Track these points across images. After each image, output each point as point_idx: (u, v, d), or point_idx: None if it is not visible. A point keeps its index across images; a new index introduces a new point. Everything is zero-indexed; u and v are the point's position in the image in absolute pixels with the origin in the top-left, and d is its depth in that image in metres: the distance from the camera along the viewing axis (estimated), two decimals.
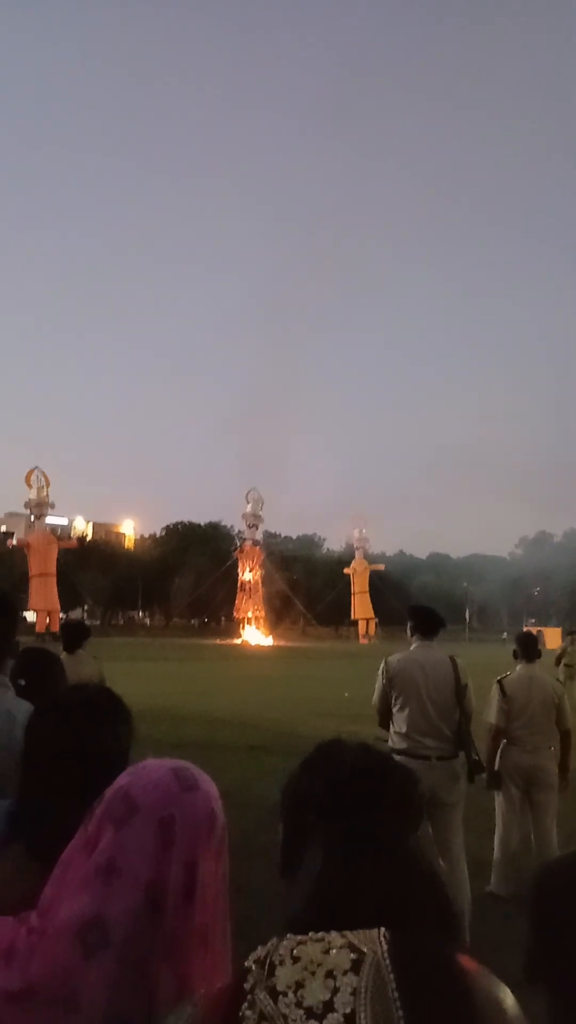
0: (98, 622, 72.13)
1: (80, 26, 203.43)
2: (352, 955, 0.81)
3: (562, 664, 16.08)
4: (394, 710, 4.80)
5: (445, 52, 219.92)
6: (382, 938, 0.83)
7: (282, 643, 59.36)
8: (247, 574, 66.48)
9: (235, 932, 1.40)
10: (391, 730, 4.84)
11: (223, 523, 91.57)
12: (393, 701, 4.81)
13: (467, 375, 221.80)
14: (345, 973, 0.80)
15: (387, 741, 4.79)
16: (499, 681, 5.63)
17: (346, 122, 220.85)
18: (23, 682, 2.88)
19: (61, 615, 52.73)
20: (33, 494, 55.26)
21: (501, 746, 5.54)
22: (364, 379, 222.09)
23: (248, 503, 67.37)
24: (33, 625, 49.36)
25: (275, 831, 1.04)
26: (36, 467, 55.91)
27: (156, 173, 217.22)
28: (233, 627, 67.37)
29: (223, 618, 75.24)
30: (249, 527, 68.19)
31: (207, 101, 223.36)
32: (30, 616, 50.60)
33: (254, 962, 0.84)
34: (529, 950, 1.16)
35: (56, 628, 46.14)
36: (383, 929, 0.84)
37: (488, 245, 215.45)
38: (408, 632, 5.03)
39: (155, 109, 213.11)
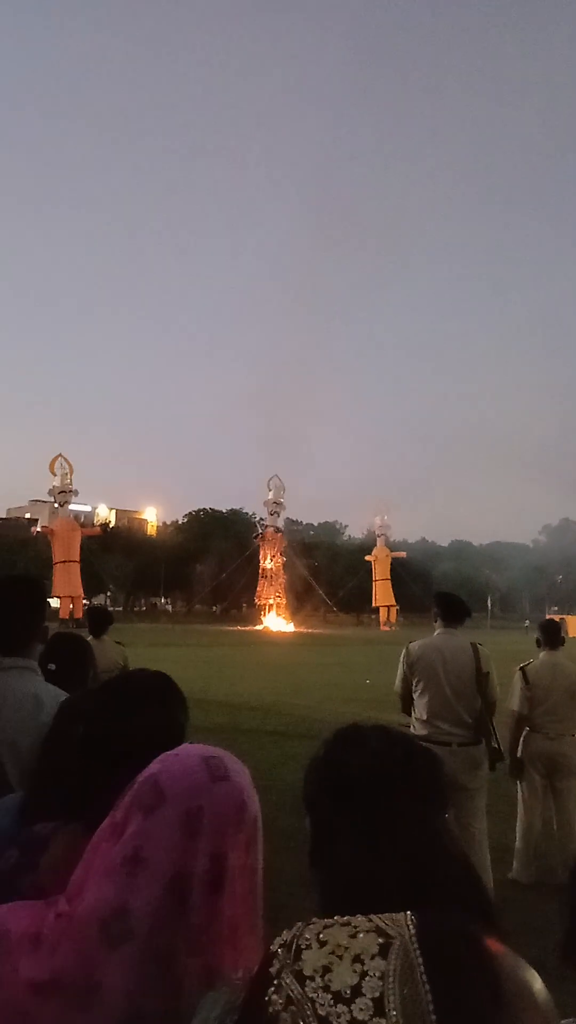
0: (120, 608, 72.69)
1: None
2: (380, 939, 0.81)
3: None
4: (415, 696, 4.81)
5: (478, 37, 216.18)
6: (410, 922, 0.83)
7: (303, 630, 59.50)
8: (268, 561, 66.61)
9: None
10: (412, 716, 4.85)
11: (244, 510, 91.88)
12: (414, 687, 4.82)
13: (489, 360, 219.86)
14: (373, 957, 0.79)
15: (409, 727, 4.81)
16: (522, 668, 5.61)
17: (378, 107, 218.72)
18: (53, 667, 2.92)
19: (84, 601, 53.27)
20: (57, 481, 55.66)
21: (524, 733, 5.53)
22: (384, 365, 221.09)
23: (270, 490, 67.44)
24: (57, 611, 49.87)
25: (301, 818, 1.03)
26: (60, 454, 56.36)
27: (181, 157, 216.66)
28: (255, 614, 67.60)
29: (244, 605, 75.52)
30: (271, 514, 68.22)
31: (237, 83, 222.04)
32: (54, 603, 51.07)
33: (280, 946, 0.84)
34: (568, 931, 1.14)
35: (80, 614, 46.58)
36: (410, 912, 0.84)
37: (510, 226, 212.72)
38: (433, 619, 5.04)
39: (183, 91, 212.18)
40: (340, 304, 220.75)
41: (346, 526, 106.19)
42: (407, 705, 4.94)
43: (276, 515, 68.46)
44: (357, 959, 0.79)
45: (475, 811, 4.58)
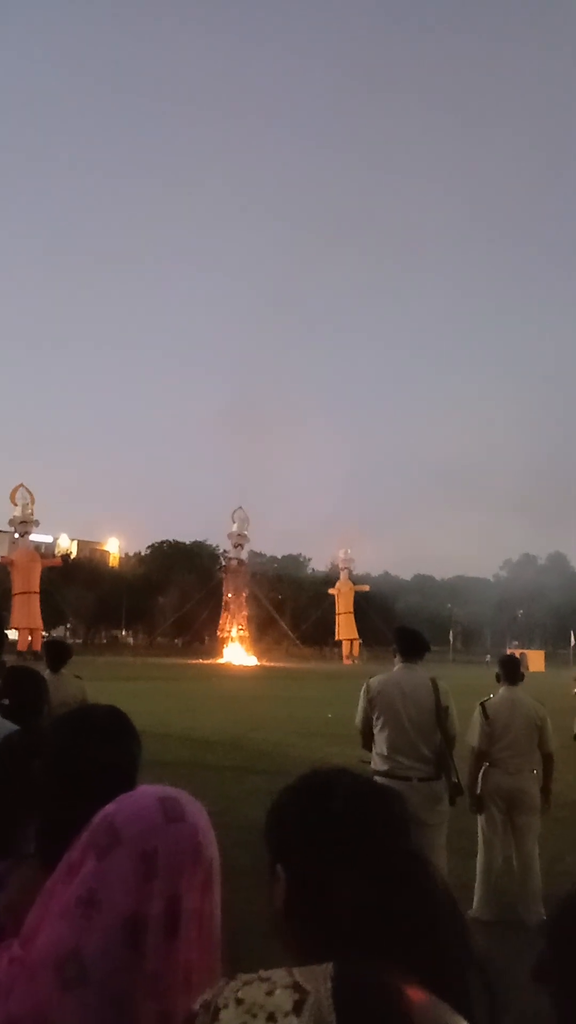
0: (81, 641, 71.49)
1: (84, 26, 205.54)
2: (295, 995, 0.79)
3: None
4: (375, 731, 4.82)
5: (454, 59, 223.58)
6: (328, 975, 0.81)
7: (266, 663, 59.08)
8: (232, 593, 66.28)
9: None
10: (373, 751, 4.85)
11: (208, 542, 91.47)
12: (374, 722, 4.82)
13: (455, 397, 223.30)
14: (287, 1015, 0.78)
15: (369, 763, 4.80)
16: (482, 704, 5.65)
17: (352, 126, 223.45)
18: (6, 701, 2.87)
19: (44, 633, 52.29)
20: (18, 511, 54.93)
21: (483, 769, 5.55)
22: (350, 400, 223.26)
23: (234, 522, 67.24)
24: (15, 644, 48.88)
25: (263, 856, 1.01)
26: (21, 484, 55.71)
27: (150, 178, 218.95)
28: (217, 646, 66.95)
29: (207, 638, 74.81)
30: (235, 546, 67.94)
31: (206, 99, 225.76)
32: (12, 635, 50.08)
33: (200, 1006, 0.83)
34: (541, 957, 1.15)
35: (38, 647, 45.70)
36: (331, 964, 0.83)
37: (483, 265, 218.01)
38: (392, 653, 5.07)
39: (150, 111, 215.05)
40: (307, 338, 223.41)
41: (310, 559, 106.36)
42: (367, 740, 4.94)
43: (240, 547, 68.22)
44: (271, 1018, 0.78)
45: (435, 847, 4.57)
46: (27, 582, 52.26)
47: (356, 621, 69.26)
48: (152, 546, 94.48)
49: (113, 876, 1.03)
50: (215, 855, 1.12)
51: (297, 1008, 0.78)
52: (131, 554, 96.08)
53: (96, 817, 1.10)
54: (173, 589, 74.24)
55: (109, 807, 1.11)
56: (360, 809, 0.99)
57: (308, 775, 1.06)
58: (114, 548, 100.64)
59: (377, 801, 1.01)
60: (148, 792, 1.13)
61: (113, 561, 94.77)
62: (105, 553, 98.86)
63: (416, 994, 0.81)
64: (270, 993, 0.80)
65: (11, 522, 55.55)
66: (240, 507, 68.03)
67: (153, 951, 1.02)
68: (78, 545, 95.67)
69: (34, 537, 59.05)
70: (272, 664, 57.71)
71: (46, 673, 6.03)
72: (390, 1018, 0.79)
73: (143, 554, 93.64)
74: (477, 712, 5.61)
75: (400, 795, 1.05)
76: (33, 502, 55.48)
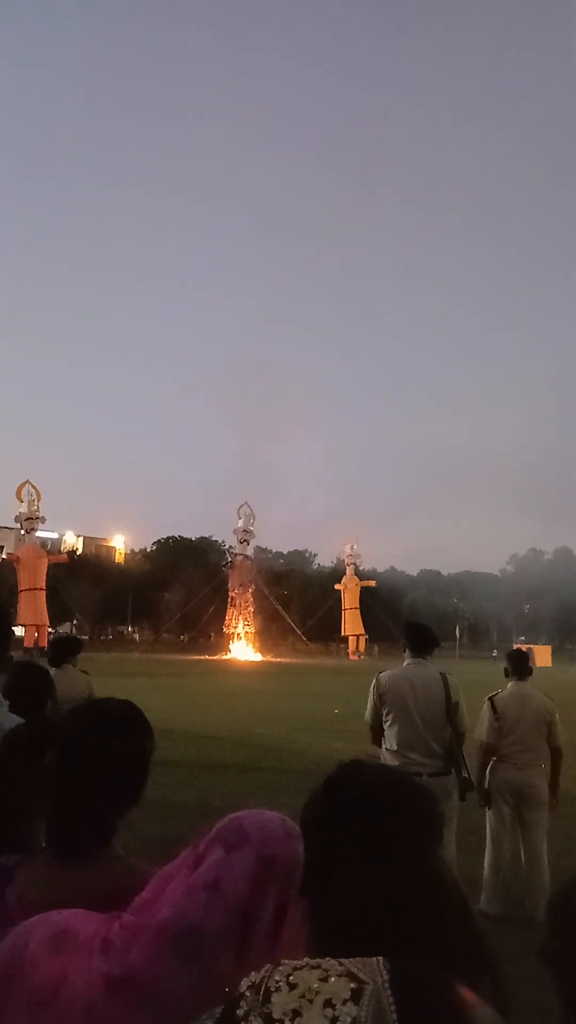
0: (87, 637, 71.65)
1: (85, 55, 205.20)
2: (352, 984, 0.78)
3: None
4: (385, 726, 4.81)
5: (446, 73, 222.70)
6: (382, 967, 0.80)
7: (272, 659, 59.14)
8: (237, 589, 66.29)
9: None
10: (383, 747, 4.84)
11: (214, 538, 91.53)
12: (384, 717, 4.81)
13: (462, 389, 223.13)
14: (344, 1002, 0.77)
15: (379, 758, 4.79)
16: (490, 698, 5.64)
17: (344, 138, 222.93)
18: (7, 701, 2.87)
19: (50, 630, 52.39)
20: (24, 508, 55.00)
21: (491, 763, 5.54)
22: (356, 395, 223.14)
23: (240, 518, 67.27)
24: (22, 640, 49.00)
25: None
26: (27, 481, 55.78)
27: (139, 190, 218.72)
28: (223, 642, 67.05)
29: (212, 634, 74.91)
30: (240, 542, 67.97)
31: (199, 116, 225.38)
32: (18, 631, 50.23)
33: (248, 988, 0.81)
34: (545, 940, 1.14)
35: (44, 643, 45.82)
36: (382, 959, 0.82)
37: (479, 256, 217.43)
38: (402, 648, 5.06)
39: (125, 117, 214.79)
40: (312, 330, 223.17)
41: (316, 555, 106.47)
42: (377, 736, 4.93)
43: (246, 543, 68.24)
44: (328, 1004, 0.77)
45: (444, 842, 4.55)
46: (33, 578, 52.36)
47: (362, 616, 69.30)
48: (158, 542, 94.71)
49: (239, 869, 1.10)
50: None
51: (355, 997, 0.77)
52: (137, 550, 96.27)
53: (223, 820, 1.17)
54: (179, 585, 74.34)
55: (237, 813, 1.18)
56: (375, 800, 0.99)
57: (346, 763, 1.09)
58: (120, 544, 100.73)
59: (399, 794, 1.01)
60: (269, 811, 1.20)
61: (119, 557, 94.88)
62: (111, 549, 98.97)
63: (469, 994, 0.81)
64: (324, 979, 0.79)
65: (17, 518, 55.64)
66: (246, 503, 68.12)
67: (257, 948, 1.08)
68: (84, 541, 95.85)
69: (40, 533, 59.19)
70: (278, 660, 57.77)
71: (51, 669, 6.04)
72: (448, 1015, 0.78)
73: (149, 550, 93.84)
74: (486, 706, 5.60)
75: (430, 792, 1.05)
76: (39, 498, 55.56)
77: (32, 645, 47.70)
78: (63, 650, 6.45)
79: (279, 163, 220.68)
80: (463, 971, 0.87)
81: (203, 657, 58.19)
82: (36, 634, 50.39)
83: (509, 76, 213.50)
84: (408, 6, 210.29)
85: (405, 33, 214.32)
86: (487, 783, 5.51)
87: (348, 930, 0.89)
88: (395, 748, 4.70)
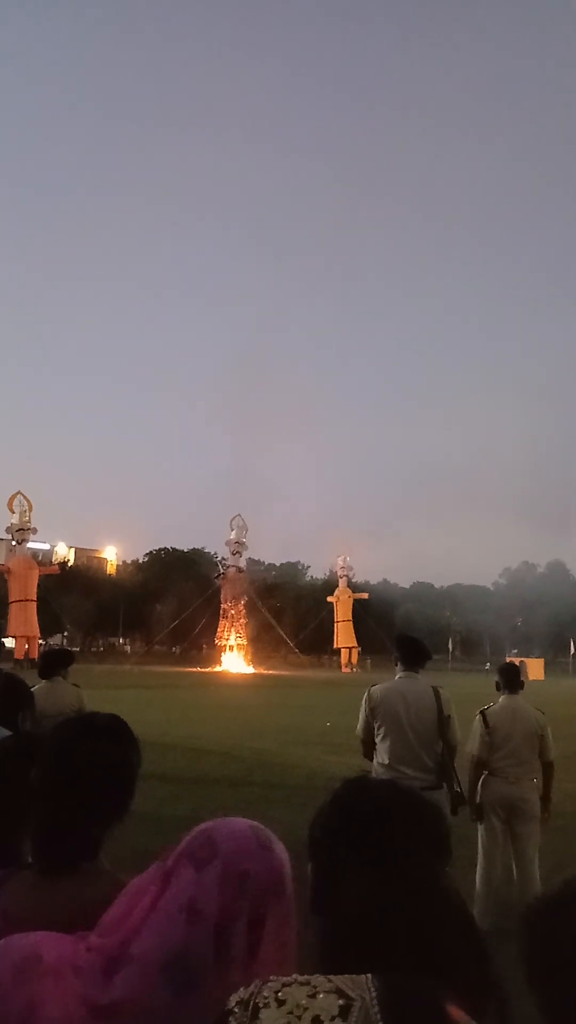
0: (78, 649, 71.27)
1: (80, 62, 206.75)
2: (340, 1000, 0.79)
3: None
4: (377, 740, 4.79)
5: (448, 79, 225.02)
6: (371, 984, 0.81)
7: (264, 671, 58.95)
8: (230, 601, 66.16)
9: None
10: (374, 761, 4.82)
11: (206, 549, 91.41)
12: (376, 731, 4.79)
13: (456, 402, 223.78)
14: (333, 1019, 0.77)
15: (371, 772, 4.77)
16: (482, 712, 5.63)
17: (341, 147, 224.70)
18: None
19: (40, 641, 52.13)
20: (15, 519, 54.86)
21: (483, 777, 5.52)
22: (349, 406, 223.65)
23: (232, 530, 67.22)
24: (12, 652, 48.74)
25: (304, 868, 1.06)
26: (19, 492, 55.68)
27: (137, 197, 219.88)
28: (214, 654, 66.81)
29: (204, 646, 74.67)
30: (233, 554, 67.89)
31: (193, 123, 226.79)
32: (8, 642, 49.98)
33: (236, 1004, 0.81)
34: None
35: (35, 655, 45.57)
36: (371, 976, 0.82)
37: (472, 265, 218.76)
38: (394, 662, 5.05)
39: (131, 133, 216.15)
40: (305, 341, 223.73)
41: (308, 567, 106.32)
42: (369, 749, 4.91)
43: (238, 555, 68.16)
44: (316, 1020, 0.77)
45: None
46: (24, 590, 52.15)
47: (355, 629, 69.20)
48: (150, 553, 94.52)
49: (213, 888, 1.07)
50: (293, 890, 1.16)
51: (344, 1013, 0.77)
52: (129, 561, 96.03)
53: (191, 832, 1.14)
54: (171, 597, 74.07)
55: (206, 824, 1.15)
56: (387, 816, 0.99)
57: (353, 779, 1.09)
58: (112, 556, 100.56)
59: (409, 811, 1.01)
60: (238, 820, 1.17)
61: (111, 569, 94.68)
62: (103, 561, 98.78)
63: (456, 1012, 0.80)
64: (313, 996, 0.79)
65: (8, 529, 55.48)
66: (238, 514, 68.08)
67: (235, 966, 1.05)
68: (76, 553, 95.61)
69: (31, 545, 59.05)
70: (270, 672, 57.58)
71: (41, 682, 6.00)
72: None
73: (141, 561, 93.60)
74: (477, 720, 5.59)
75: (438, 809, 1.05)
76: (31, 509, 55.45)
77: (23, 656, 47.44)
78: (52, 662, 6.42)
79: (273, 171, 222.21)
80: (468, 993, 0.86)
81: (195, 669, 57.94)
82: (27, 645, 50.13)
83: (512, 84, 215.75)
84: (409, 13, 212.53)
85: (406, 41, 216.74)
86: (479, 797, 5.49)
87: (356, 948, 0.88)
88: (387, 762, 4.68)
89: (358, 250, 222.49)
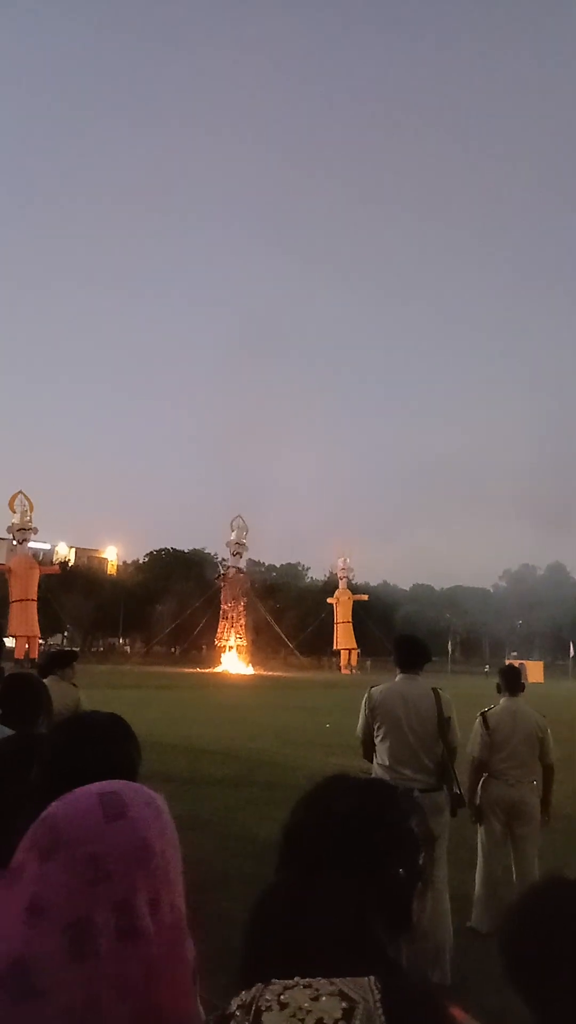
0: (78, 648, 71.27)
1: (78, 61, 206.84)
2: (343, 1003, 0.78)
3: None
4: (377, 742, 4.79)
5: (449, 85, 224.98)
6: (374, 986, 0.80)
7: (263, 672, 58.93)
8: (230, 602, 66.16)
9: (216, 964, 1.38)
10: (374, 762, 4.82)
11: (207, 550, 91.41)
12: (376, 732, 4.79)
13: (454, 407, 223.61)
14: (336, 1022, 0.77)
15: (371, 774, 4.76)
16: (482, 714, 5.63)
17: (340, 147, 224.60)
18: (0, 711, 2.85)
19: (41, 641, 52.14)
20: (16, 519, 54.86)
21: (483, 779, 5.52)
22: (349, 408, 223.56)
23: (232, 530, 67.19)
24: (12, 651, 48.69)
25: (261, 864, 1.05)
26: (20, 491, 55.70)
27: (135, 202, 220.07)
28: (214, 655, 66.79)
29: (204, 646, 74.64)
30: (233, 555, 67.86)
31: (191, 124, 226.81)
32: (9, 642, 49.94)
33: (238, 1007, 0.81)
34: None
35: (36, 655, 45.58)
36: (373, 978, 0.82)
37: (472, 266, 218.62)
38: (394, 663, 5.04)
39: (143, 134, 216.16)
40: (306, 344, 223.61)
41: (308, 568, 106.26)
42: (368, 751, 4.91)
43: (239, 556, 68.14)
44: (320, 1023, 0.77)
45: (435, 858, 4.54)
46: (25, 589, 52.17)
47: (355, 630, 69.17)
48: (150, 554, 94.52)
49: (56, 880, 0.99)
50: (169, 846, 1.07)
51: (347, 1016, 0.77)
52: (129, 562, 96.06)
53: (40, 817, 1.05)
54: (171, 597, 74.11)
55: (53, 806, 1.06)
56: (362, 812, 0.99)
57: (328, 778, 1.08)
58: (112, 556, 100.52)
59: (386, 807, 1.01)
60: (89, 790, 1.08)
61: (111, 569, 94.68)
62: (103, 561, 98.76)
63: (459, 1013, 0.80)
64: (316, 999, 0.79)
65: (9, 529, 55.49)
66: (239, 515, 68.03)
67: (108, 954, 0.97)
68: (76, 553, 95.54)
69: (32, 544, 59.00)
70: (270, 673, 57.58)
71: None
72: None
73: (141, 562, 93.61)
74: (478, 722, 5.59)
75: (416, 803, 1.05)
76: (32, 509, 55.46)
77: (23, 656, 47.42)
78: (50, 662, 6.46)
79: (271, 173, 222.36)
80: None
81: (195, 670, 57.94)
82: (27, 645, 50.14)
83: (514, 89, 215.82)
84: (410, 15, 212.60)
85: (407, 43, 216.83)
86: (479, 799, 5.49)
87: (322, 947, 0.87)
88: (387, 763, 4.68)
89: (358, 250, 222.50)
